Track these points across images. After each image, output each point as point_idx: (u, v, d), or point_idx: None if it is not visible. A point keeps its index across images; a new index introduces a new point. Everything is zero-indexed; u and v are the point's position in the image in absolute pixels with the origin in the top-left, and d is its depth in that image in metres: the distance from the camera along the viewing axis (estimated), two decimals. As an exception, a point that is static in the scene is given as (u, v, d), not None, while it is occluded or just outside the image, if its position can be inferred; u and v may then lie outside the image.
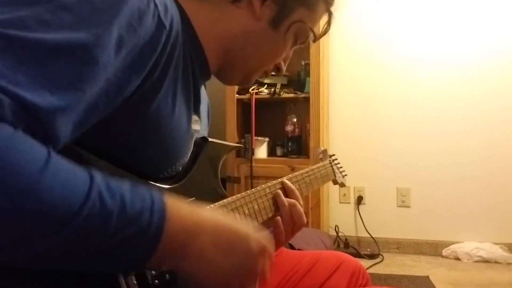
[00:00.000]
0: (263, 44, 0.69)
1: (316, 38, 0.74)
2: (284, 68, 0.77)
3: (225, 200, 0.69)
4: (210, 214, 0.52)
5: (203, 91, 0.78)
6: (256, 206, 0.75)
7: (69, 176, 0.40)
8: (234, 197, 0.71)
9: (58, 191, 0.38)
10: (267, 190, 0.79)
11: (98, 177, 0.43)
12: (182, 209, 0.48)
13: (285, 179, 0.84)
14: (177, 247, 0.47)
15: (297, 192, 0.83)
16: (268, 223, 0.79)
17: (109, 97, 0.47)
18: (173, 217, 0.46)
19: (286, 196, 0.81)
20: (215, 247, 0.50)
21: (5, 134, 0.37)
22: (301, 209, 0.81)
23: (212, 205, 0.65)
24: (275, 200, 0.80)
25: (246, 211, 0.72)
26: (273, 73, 0.78)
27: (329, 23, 0.73)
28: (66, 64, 0.42)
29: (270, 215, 0.79)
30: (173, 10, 0.54)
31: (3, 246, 0.37)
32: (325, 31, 0.75)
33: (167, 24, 0.51)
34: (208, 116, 0.84)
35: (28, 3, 0.42)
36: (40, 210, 0.37)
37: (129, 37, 0.47)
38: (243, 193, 0.73)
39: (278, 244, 0.81)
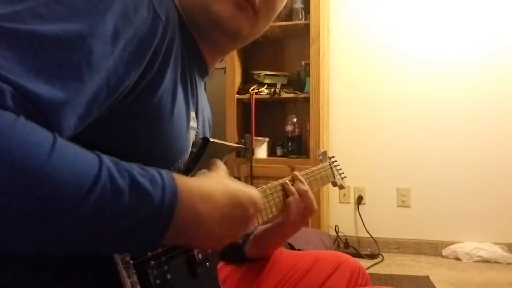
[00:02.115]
0: None
1: None
2: None
3: None
4: (217, 189, 0.53)
5: (203, 97, 0.78)
6: (267, 204, 0.78)
7: (78, 157, 0.40)
8: None
9: (67, 172, 0.38)
10: (278, 187, 0.84)
11: (106, 158, 0.43)
12: (191, 187, 0.49)
13: (296, 173, 0.90)
14: (187, 226, 0.48)
15: (306, 184, 0.89)
16: (277, 216, 0.85)
17: (110, 89, 0.47)
18: (183, 195, 0.47)
19: (297, 187, 0.87)
20: (221, 225, 0.52)
21: (8, 120, 0.37)
22: (312, 196, 0.87)
23: None
24: (285, 191, 0.85)
25: None
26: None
27: None
28: (63, 55, 0.42)
29: (280, 209, 0.83)
30: (168, 3, 0.54)
31: (14, 230, 0.37)
32: None
33: (162, 16, 0.52)
34: (209, 124, 0.84)
35: None
36: (50, 192, 0.37)
37: (125, 28, 0.47)
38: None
39: (290, 226, 0.86)
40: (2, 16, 0.41)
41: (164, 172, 0.47)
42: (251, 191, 0.58)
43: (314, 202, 0.86)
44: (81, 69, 0.43)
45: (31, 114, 0.39)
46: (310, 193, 0.86)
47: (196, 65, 0.68)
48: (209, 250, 0.66)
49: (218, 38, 0.67)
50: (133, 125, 0.53)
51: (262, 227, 0.90)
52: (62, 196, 0.38)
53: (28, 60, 0.40)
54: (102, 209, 0.40)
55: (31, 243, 0.39)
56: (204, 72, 0.71)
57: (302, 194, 0.85)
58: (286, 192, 0.85)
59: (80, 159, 0.40)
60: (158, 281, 0.53)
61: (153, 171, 0.46)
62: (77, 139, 0.47)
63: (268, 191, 0.80)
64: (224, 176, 0.58)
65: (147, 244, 0.46)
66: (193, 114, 0.68)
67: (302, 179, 0.89)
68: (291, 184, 0.87)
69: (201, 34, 0.67)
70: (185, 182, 0.48)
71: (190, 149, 0.67)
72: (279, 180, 0.85)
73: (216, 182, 0.54)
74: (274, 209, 0.80)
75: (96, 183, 0.40)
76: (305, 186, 0.88)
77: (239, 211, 0.55)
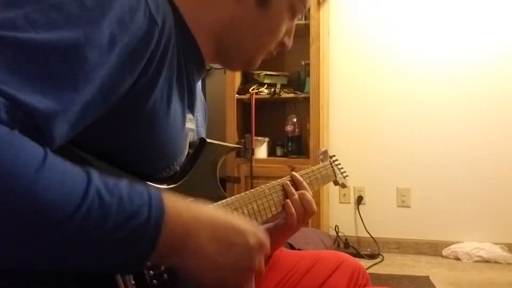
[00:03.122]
0: (255, 27, 0.67)
1: (305, 5, 0.71)
2: (289, 43, 0.73)
3: (237, 196, 0.71)
4: (207, 210, 0.52)
5: (198, 89, 0.78)
6: (266, 203, 0.78)
7: (67, 175, 0.40)
8: (243, 194, 0.73)
9: (55, 190, 0.38)
10: (278, 188, 0.83)
11: (95, 175, 0.42)
12: (179, 205, 0.48)
13: (294, 173, 0.89)
14: (176, 243, 0.46)
15: (305, 184, 0.88)
16: (278, 216, 0.84)
17: (103, 95, 0.46)
18: (171, 212, 0.45)
19: (296, 188, 0.86)
20: (213, 243, 0.50)
21: (2, 134, 0.37)
22: (311, 197, 0.85)
23: (224, 200, 0.67)
24: (285, 192, 0.84)
25: (255, 207, 0.75)
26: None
27: None
28: (58, 63, 0.42)
29: (279, 209, 0.83)
30: (165, 6, 0.54)
31: (1, 247, 0.37)
32: None
33: (159, 20, 0.51)
34: (204, 115, 0.84)
35: (17, 4, 0.42)
36: (38, 210, 0.37)
37: (121, 35, 0.46)
38: (252, 190, 0.76)
39: (289, 227, 0.85)
40: None
41: (152, 189, 0.46)
42: (247, 222, 0.55)
43: (313, 203, 0.85)
44: (77, 78, 0.43)
45: (25, 126, 0.39)
46: (309, 195, 0.85)
47: (195, 65, 0.67)
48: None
49: (236, 63, 0.73)
50: (127, 127, 0.53)
51: (261, 228, 0.90)
52: (49, 214, 0.37)
53: (23, 70, 0.39)
54: (88, 227, 0.40)
55: (15, 258, 0.39)
56: (202, 71, 0.71)
57: (301, 196, 0.85)
58: (285, 193, 0.85)
59: (69, 177, 0.40)
60: (154, 281, 0.53)
61: (140, 188, 0.45)
62: (73, 142, 0.47)
63: (268, 191, 0.79)
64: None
65: (134, 263, 0.44)
66: (190, 115, 0.68)
67: (301, 179, 0.88)
68: (291, 185, 0.87)
69: (217, 52, 0.69)
70: (172, 200, 0.47)
71: (186, 150, 0.67)
72: (279, 180, 0.85)
73: (206, 206, 0.53)
74: (273, 209, 0.80)
75: (84, 201, 0.39)
76: (304, 187, 0.88)
77: (234, 234, 0.52)
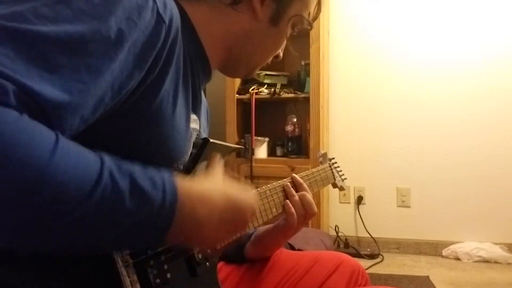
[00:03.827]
0: (265, 41, 0.73)
1: (312, 26, 0.77)
2: (281, 54, 0.81)
3: None
4: (216, 192, 0.54)
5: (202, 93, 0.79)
6: (267, 204, 0.79)
7: (80, 157, 0.40)
8: None
9: (69, 172, 0.38)
10: (278, 189, 0.84)
11: (108, 158, 0.43)
12: (191, 189, 0.50)
13: (294, 174, 0.90)
14: (186, 225, 0.48)
15: (305, 185, 0.89)
16: (278, 217, 0.85)
17: (114, 91, 0.47)
18: (183, 193, 0.47)
19: (296, 190, 0.87)
20: (219, 224, 0.53)
21: (12, 117, 0.37)
22: (311, 199, 0.87)
23: None
24: (285, 193, 0.85)
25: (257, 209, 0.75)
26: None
27: (319, 5, 0.77)
28: (65, 56, 0.42)
29: (280, 210, 0.83)
30: (172, 7, 0.55)
31: (16, 229, 0.37)
32: (317, 15, 0.79)
33: (166, 19, 0.52)
34: (207, 119, 0.85)
35: None
36: (52, 192, 0.37)
37: (129, 31, 0.47)
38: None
39: (290, 228, 0.86)
40: (4, 15, 0.41)
41: (165, 173, 0.47)
42: (248, 196, 0.59)
43: (314, 204, 0.86)
44: (82, 71, 0.43)
45: (33, 113, 0.39)
46: (309, 196, 0.86)
47: (201, 67, 0.68)
48: (209, 250, 0.67)
49: (239, 72, 0.79)
50: (133, 126, 0.53)
51: (262, 228, 0.90)
52: (64, 197, 0.38)
53: (31, 61, 0.40)
54: (103, 210, 0.40)
55: (31, 241, 0.39)
56: (208, 74, 0.72)
57: (301, 197, 0.85)
58: (286, 194, 0.85)
59: (82, 159, 0.40)
60: (158, 280, 0.53)
61: (153, 171, 0.46)
62: (78, 138, 0.47)
63: (268, 192, 0.80)
64: (222, 179, 0.59)
65: (147, 244, 0.46)
66: (194, 116, 0.69)
67: (301, 181, 0.89)
68: (291, 186, 0.87)
69: (224, 60, 0.73)
70: (185, 185, 0.49)
71: (190, 151, 0.67)
72: (279, 181, 0.85)
73: (215, 185, 0.55)
74: (274, 210, 0.81)
75: (98, 184, 0.40)
76: (304, 189, 0.88)
77: (237, 214, 0.56)
